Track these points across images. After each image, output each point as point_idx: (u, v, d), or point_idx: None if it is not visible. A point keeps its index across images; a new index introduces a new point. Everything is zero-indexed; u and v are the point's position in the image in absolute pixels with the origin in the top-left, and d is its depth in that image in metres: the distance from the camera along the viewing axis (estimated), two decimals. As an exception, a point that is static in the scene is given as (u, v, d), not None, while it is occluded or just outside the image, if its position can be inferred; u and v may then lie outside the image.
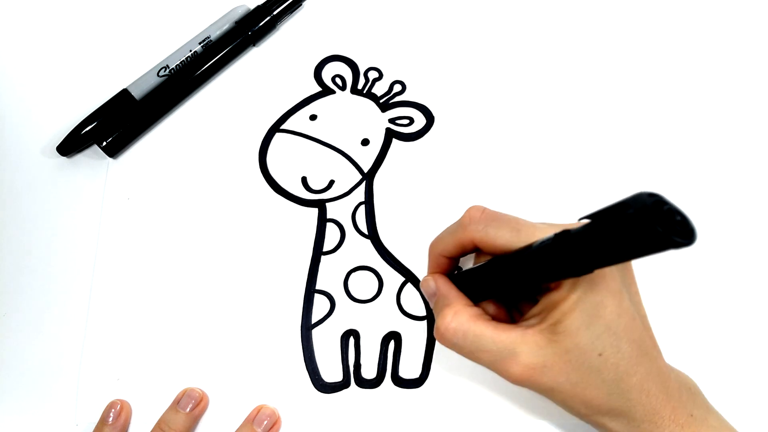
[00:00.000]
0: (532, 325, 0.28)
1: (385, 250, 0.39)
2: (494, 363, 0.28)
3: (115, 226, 0.41)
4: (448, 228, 0.32)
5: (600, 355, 0.27)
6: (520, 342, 0.28)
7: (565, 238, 0.24)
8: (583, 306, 0.27)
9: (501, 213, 0.30)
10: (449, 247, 0.31)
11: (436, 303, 0.32)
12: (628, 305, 0.27)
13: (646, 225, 0.20)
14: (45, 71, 0.45)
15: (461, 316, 0.29)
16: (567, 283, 0.27)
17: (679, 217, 0.20)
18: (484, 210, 0.30)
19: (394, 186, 0.41)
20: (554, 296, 0.27)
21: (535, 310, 0.28)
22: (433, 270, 0.33)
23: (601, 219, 0.22)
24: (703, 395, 0.30)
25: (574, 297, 0.27)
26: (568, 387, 0.28)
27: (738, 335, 0.37)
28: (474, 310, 0.30)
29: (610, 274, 0.27)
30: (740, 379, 0.36)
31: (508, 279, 0.28)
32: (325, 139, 0.42)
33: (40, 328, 0.39)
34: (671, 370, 0.30)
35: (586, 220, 0.23)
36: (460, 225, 0.31)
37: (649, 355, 0.28)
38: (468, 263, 0.33)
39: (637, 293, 0.30)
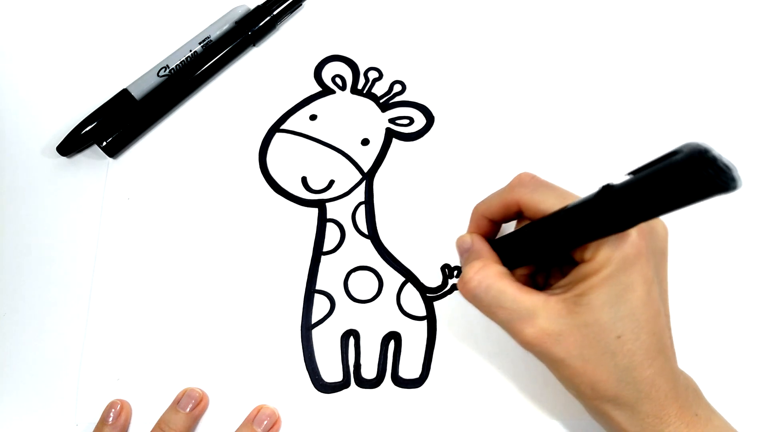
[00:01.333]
0: (557, 293, 0.28)
1: (385, 250, 0.39)
2: (510, 322, 0.28)
3: (115, 226, 0.41)
4: (496, 191, 0.32)
5: (618, 337, 0.26)
6: (541, 306, 0.27)
7: (608, 191, 0.24)
8: (612, 283, 0.26)
9: (549, 182, 0.30)
10: (493, 207, 0.31)
11: (467, 257, 0.31)
12: (656, 298, 0.27)
13: (696, 169, 0.20)
14: (45, 71, 0.45)
15: (488, 270, 0.29)
16: (602, 256, 0.26)
17: (723, 164, 0.20)
18: (534, 176, 0.30)
19: (394, 186, 0.41)
20: (586, 268, 0.27)
21: (564, 281, 0.28)
22: (472, 231, 0.33)
23: (647, 169, 0.22)
24: (705, 398, 0.30)
25: (605, 273, 0.26)
26: (579, 362, 0.27)
27: (738, 336, 0.37)
28: (502, 268, 0.29)
29: (646, 259, 0.27)
30: (739, 380, 0.36)
31: (545, 239, 0.28)
32: (325, 139, 0.42)
33: (40, 328, 0.39)
34: (680, 371, 0.30)
35: (629, 176, 0.23)
36: (508, 186, 0.31)
37: (665, 353, 0.28)
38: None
39: (666, 291, 0.29)
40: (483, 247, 0.31)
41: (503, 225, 0.34)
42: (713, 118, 0.42)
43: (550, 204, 0.28)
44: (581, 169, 0.41)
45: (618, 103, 0.43)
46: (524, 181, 0.30)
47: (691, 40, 0.45)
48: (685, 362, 0.31)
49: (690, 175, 0.20)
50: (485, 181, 0.41)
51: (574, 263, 0.28)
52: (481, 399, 0.36)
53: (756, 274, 0.38)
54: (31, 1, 0.48)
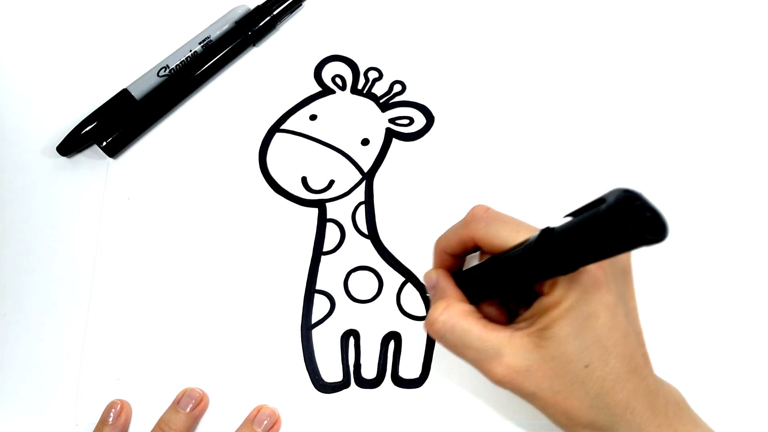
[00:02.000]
0: (521, 328, 0.28)
1: (385, 250, 0.39)
2: (478, 361, 0.28)
3: (115, 226, 0.41)
4: (453, 225, 0.32)
5: (586, 366, 0.26)
6: (507, 343, 0.28)
7: (548, 236, 0.24)
8: (574, 314, 0.26)
9: (504, 214, 0.30)
10: (452, 243, 0.32)
11: (433, 295, 0.32)
12: (623, 320, 0.27)
13: (616, 222, 0.19)
14: (45, 71, 0.45)
15: (452, 310, 0.29)
16: (560, 289, 0.26)
17: (650, 214, 0.20)
18: (488, 209, 0.30)
19: (394, 186, 0.41)
20: (546, 301, 0.27)
21: (527, 313, 0.28)
22: (437, 266, 0.34)
23: (579, 216, 0.22)
24: (690, 409, 0.30)
25: (566, 304, 0.26)
26: (550, 394, 0.27)
27: (726, 341, 0.37)
28: (466, 307, 0.30)
29: (606, 285, 0.27)
30: (727, 386, 0.36)
31: (499, 278, 0.28)
32: (325, 139, 0.42)
33: (40, 328, 0.39)
34: (661, 385, 0.29)
35: (569, 218, 0.23)
36: (462, 222, 0.31)
37: (639, 372, 0.27)
38: (473, 263, 0.34)
39: (634, 308, 0.29)
40: (447, 284, 0.31)
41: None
42: (712, 120, 0.42)
43: (504, 238, 0.28)
44: (581, 169, 0.41)
45: (618, 103, 0.43)
46: (478, 215, 0.30)
47: (692, 43, 0.44)
48: (672, 369, 0.31)
49: (611, 229, 0.20)
50: (485, 181, 0.41)
51: (537, 294, 0.28)
52: (481, 399, 0.36)
53: (741, 275, 0.38)
54: (31, 1, 0.48)
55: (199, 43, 0.44)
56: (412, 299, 0.38)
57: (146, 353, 0.38)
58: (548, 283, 0.27)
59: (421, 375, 0.37)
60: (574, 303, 0.26)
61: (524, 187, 0.40)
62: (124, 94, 0.43)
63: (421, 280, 0.38)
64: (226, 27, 0.45)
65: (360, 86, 0.44)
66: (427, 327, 0.30)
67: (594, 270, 0.26)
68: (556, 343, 0.27)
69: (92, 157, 0.43)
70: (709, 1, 0.46)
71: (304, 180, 0.41)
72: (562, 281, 0.26)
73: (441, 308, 0.29)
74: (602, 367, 0.26)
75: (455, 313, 0.29)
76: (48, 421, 0.37)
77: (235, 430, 0.35)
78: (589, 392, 0.27)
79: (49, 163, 0.43)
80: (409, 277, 0.39)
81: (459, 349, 0.29)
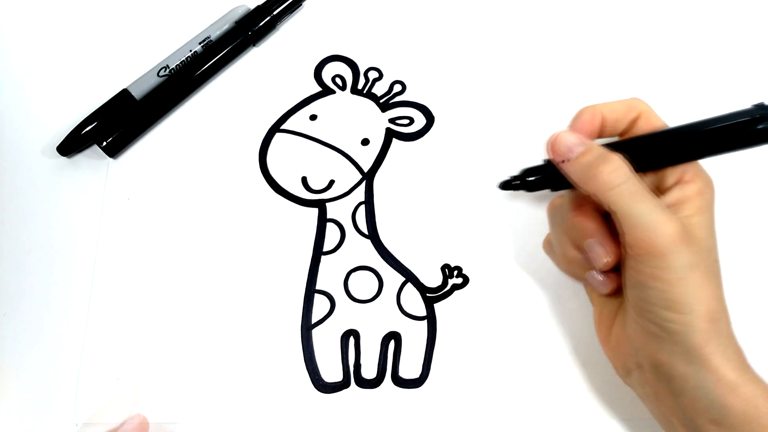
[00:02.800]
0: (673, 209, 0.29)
1: (385, 250, 0.39)
2: (652, 212, 0.27)
3: (115, 226, 0.41)
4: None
5: (716, 261, 0.28)
6: (669, 212, 0.28)
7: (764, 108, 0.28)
8: (710, 211, 0.29)
9: None
10: (615, 107, 0.31)
11: (586, 152, 0.30)
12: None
13: None
14: (45, 71, 0.45)
15: (626, 163, 0.28)
16: (699, 183, 0.29)
17: None
18: None
19: (394, 186, 0.41)
20: (689, 189, 0.28)
21: (669, 198, 0.29)
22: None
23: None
24: None
25: (706, 199, 0.28)
26: (702, 272, 0.27)
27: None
28: None
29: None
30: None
31: (672, 148, 0.29)
32: (325, 139, 0.42)
33: (40, 328, 0.39)
34: None
35: None
36: (630, 98, 0.32)
37: None
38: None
39: None
40: (600, 146, 0.30)
41: None
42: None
43: (661, 122, 0.30)
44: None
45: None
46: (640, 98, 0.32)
47: (692, 39, 0.45)
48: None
49: None
50: (485, 181, 0.41)
51: (673, 184, 0.29)
52: (481, 399, 0.36)
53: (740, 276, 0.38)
54: (31, 1, 0.48)
55: (199, 43, 0.44)
56: (412, 299, 0.38)
57: (146, 353, 0.38)
58: (690, 172, 0.29)
59: (421, 375, 0.37)
60: (710, 199, 0.29)
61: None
62: (124, 94, 0.43)
63: (422, 280, 0.38)
64: (226, 27, 0.45)
65: (360, 86, 0.44)
66: (603, 176, 0.28)
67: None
68: (699, 229, 0.28)
69: (92, 157, 0.43)
70: (708, 3, 0.46)
71: (304, 180, 0.41)
72: (702, 176, 0.29)
73: (619, 160, 0.28)
74: (719, 267, 0.28)
75: (629, 167, 0.28)
76: (47, 421, 0.37)
77: None
78: (719, 285, 0.28)
79: (49, 163, 0.43)
80: (409, 277, 0.39)
81: (635, 197, 0.27)
